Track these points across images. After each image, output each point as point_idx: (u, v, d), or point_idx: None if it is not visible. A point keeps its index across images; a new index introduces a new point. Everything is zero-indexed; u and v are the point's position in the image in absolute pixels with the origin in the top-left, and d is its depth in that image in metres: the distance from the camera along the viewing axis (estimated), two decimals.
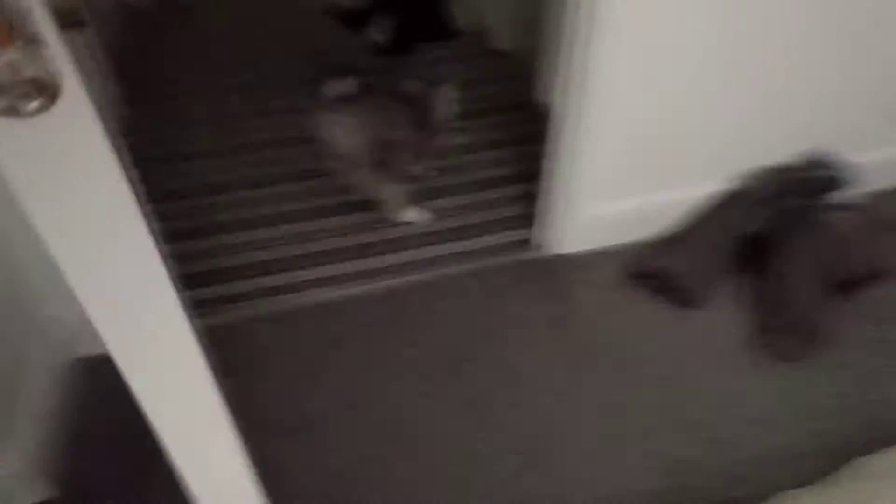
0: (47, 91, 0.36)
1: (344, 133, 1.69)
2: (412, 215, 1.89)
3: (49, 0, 0.40)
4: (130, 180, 0.51)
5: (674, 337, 1.64)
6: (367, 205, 1.92)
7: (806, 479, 1.14)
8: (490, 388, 1.52)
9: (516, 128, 2.18)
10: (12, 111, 0.39)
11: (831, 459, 1.20)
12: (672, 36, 1.46)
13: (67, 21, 0.37)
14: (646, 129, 1.62)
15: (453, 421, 1.47)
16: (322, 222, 1.88)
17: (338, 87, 1.70)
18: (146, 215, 0.56)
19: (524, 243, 1.84)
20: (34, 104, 0.40)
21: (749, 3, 1.44)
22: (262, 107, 2.24)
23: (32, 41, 0.37)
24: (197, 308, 1.64)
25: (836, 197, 1.72)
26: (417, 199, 1.90)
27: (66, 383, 1.47)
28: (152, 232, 0.58)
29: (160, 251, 0.59)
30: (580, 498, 1.35)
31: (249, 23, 2.68)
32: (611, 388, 1.53)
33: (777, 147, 1.75)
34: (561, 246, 1.81)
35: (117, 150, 0.49)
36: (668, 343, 1.62)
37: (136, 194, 0.54)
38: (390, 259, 1.79)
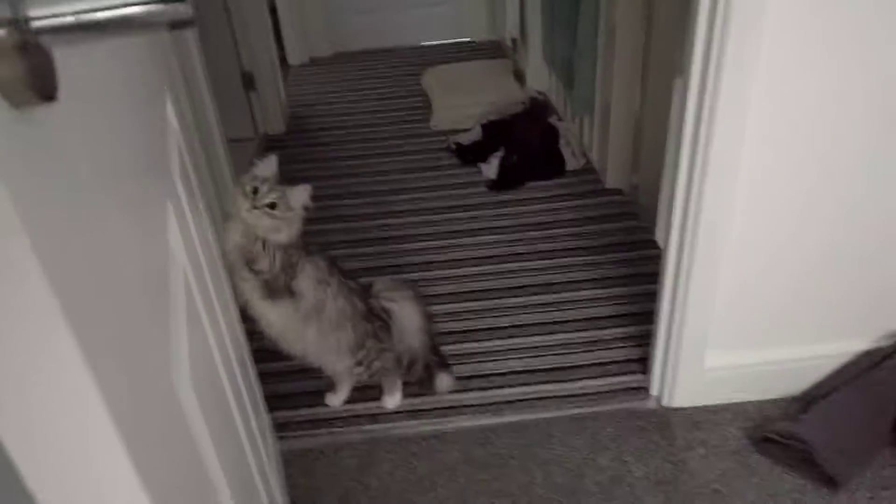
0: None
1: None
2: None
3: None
4: None
5: None
6: (465, 335, 1.85)
7: None
8: None
9: (634, 266, 2.07)
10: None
11: None
12: (798, 171, 1.34)
13: None
14: (770, 273, 1.47)
15: None
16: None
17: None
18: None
19: (635, 391, 1.66)
20: None
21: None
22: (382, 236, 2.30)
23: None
24: (279, 430, 1.61)
25: None
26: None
27: None
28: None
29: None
30: None
31: (374, 154, 2.84)
32: None
33: None
34: (676, 398, 1.61)
35: None
36: None
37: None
38: (485, 395, 1.67)
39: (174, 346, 0.62)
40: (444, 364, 1.70)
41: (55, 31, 0.31)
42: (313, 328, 1.46)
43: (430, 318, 1.67)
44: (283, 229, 1.34)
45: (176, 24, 0.32)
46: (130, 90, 0.69)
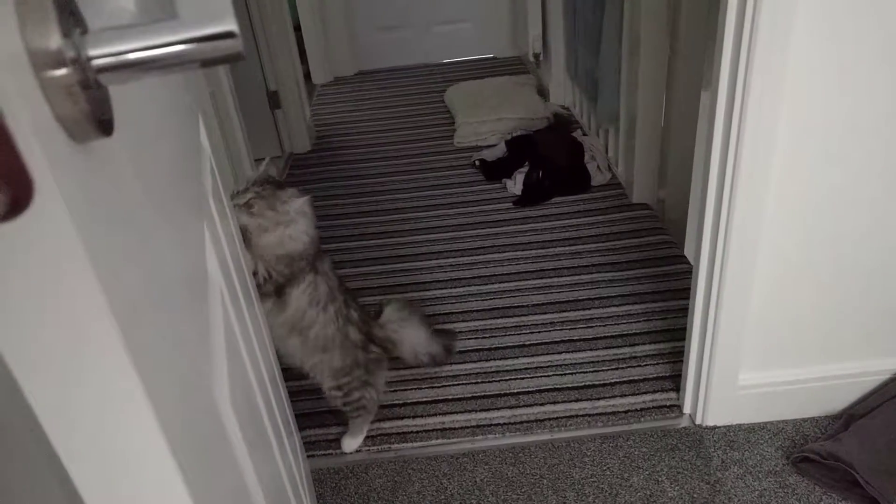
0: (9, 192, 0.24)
1: None
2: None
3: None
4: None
5: None
6: (493, 353, 1.84)
7: None
8: None
9: (664, 281, 2.05)
10: None
11: None
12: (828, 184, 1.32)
13: None
14: (805, 288, 1.44)
15: None
16: (445, 368, 1.81)
17: None
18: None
19: (668, 409, 1.64)
20: None
21: None
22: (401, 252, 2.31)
23: None
24: (309, 449, 1.61)
25: None
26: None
27: None
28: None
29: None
30: None
31: (399, 172, 2.85)
32: None
33: None
34: (710, 417, 1.58)
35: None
36: None
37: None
38: (515, 414, 1.66)
39: (215, 364, 0.63)
40: (443, 332, 1.79)
41: (113, 68, 0.31)
42: (296, 340, 1.44)
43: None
44: (272, 231, 1.30)
45: (227, 59, 0.32)
46: (168, 115, 0.71)
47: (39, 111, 0.29)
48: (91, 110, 0.31)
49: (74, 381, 0.33)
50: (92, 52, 0.31)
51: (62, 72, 0.29)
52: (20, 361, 0.31)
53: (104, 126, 0.32)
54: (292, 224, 1.32)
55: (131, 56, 0.31)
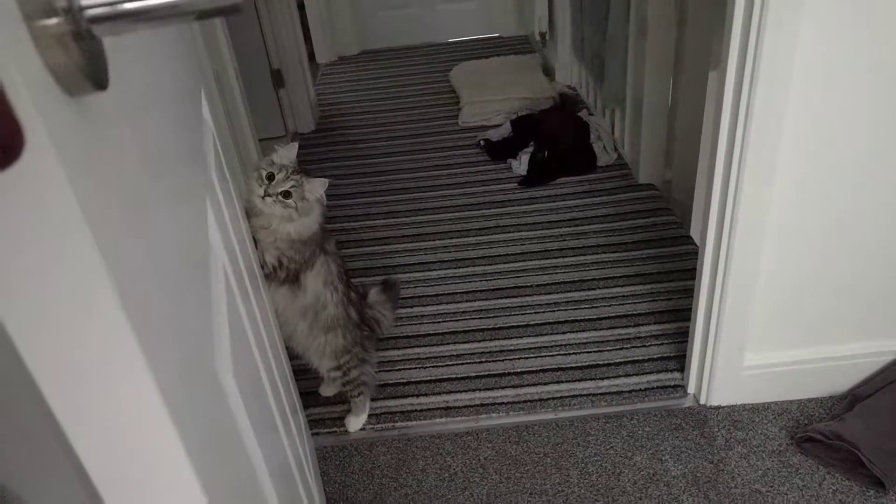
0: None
1: None
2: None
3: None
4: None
5: None
6: (497, 332, 1.84)
7: None
8: None
9: (669, 262, 2.04)
10: None
11: None
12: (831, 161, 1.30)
13: None
14: (812, 269, 1.42)
15: None
16: (449, 348, 1.81)
17: None
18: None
19: (672, 389, 1.63)
20: None
21: None
22: (406, 233, 2.31)
23: None
24: (314, 426, 1.61)
25: None
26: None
27: None
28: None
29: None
30: None
31: (404, 152, 2.84)
32: None
33: None
34: (714, 397, 1.58)
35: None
36: None
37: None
38: (519, 393, 1.66)
39: (217, 337, 0.62)
40: (385, 287, 1.73)
41: (106, 19, 0.30)
42: (306, 323, 1.43)
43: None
44: (295, 219, 1.29)
45: (222, 11, 0.31)
46: (169, 86, 0.70)
47: (30, 61, 0.28)
48: (84, 62, 0.30)
49: (70, 340, 0.32)
50: (84, 2, 0.30)
51: (53, 21, 0.29)
52: (12, 321, 0.30)
53: (98, 80, 0.31)
54: (312, 212, 1.32)
55: (124, 6, 0.30)
